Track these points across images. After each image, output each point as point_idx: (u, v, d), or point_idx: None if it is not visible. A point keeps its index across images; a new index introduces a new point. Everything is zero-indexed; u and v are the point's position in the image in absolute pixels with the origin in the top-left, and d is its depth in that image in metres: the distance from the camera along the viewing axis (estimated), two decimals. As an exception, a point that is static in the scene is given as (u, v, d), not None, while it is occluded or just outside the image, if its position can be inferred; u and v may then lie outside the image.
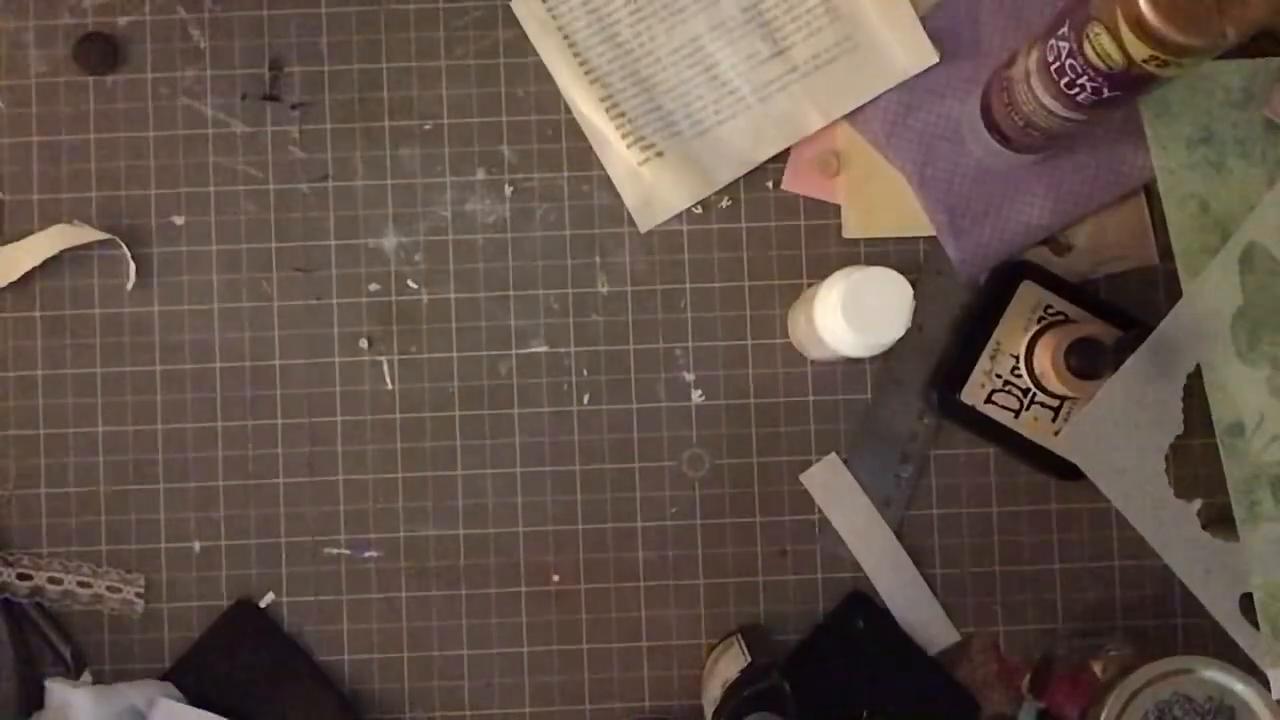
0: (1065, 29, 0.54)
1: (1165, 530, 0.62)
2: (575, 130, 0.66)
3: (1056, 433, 0.63)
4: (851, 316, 0.54)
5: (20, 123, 0.66)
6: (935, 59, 0.64)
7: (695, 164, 0.65)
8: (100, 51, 0.65)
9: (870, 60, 0.65)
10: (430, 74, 0.66)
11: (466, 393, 0.65)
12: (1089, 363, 0.60)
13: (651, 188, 0.65)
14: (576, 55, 0.65)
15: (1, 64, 0.66)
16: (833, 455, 0.65)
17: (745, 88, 0.65)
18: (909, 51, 0.65)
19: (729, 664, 0.60)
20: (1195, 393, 0.62)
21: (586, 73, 0.65)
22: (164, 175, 0.66)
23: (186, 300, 0.65)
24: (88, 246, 0.65)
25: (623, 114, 0.65)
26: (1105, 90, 0.54)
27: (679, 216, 0.66)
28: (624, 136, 0.65)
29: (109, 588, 0.64)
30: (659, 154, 0.65)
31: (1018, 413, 0.63)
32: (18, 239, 0.65)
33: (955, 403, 0.63)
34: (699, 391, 0.66)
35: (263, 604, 0.65)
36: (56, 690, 0.61)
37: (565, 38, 0.65)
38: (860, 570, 0.65)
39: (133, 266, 0.65)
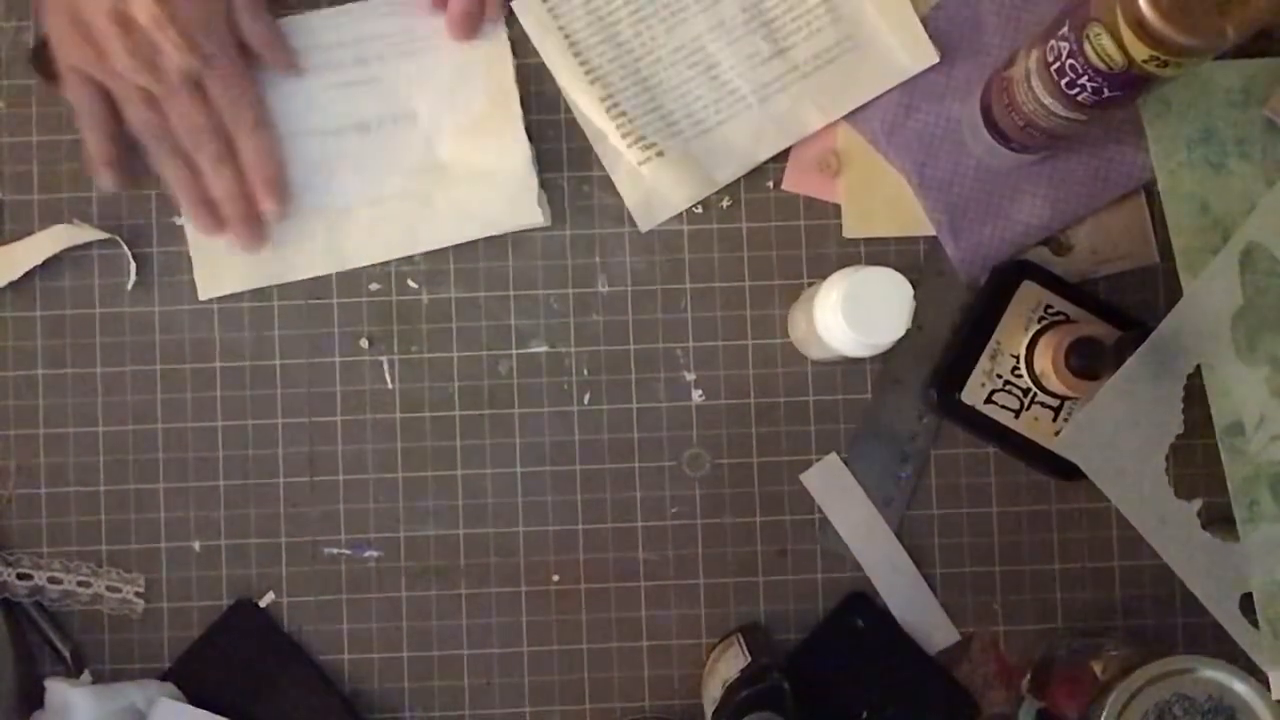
0: (1065, 29, 0.54)
1: (1165, 530, 0.62)
2: (576, 130, 0.66)
3: (1056, 433, 0.63)
4: (851, 316, 0.54)
5: (20, 123, 0.65)
6: (936, 59, 0.64)
7: (696, 164, 0.65)
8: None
9: (871, 60, 0.65)
10: (430, 74, 0.66)
11: (467, 392, 0.65)
12: (1089, 363, 0.60)
13: (652, 187, 0.65)
14: (577, 55, 0.65)
15: (1, 64, 0.66)
16: (833, 455, 0.65)
17: (746, 87, 0.65)
18: (910, 51, 0.65)
19: (729, 664, 0.60)
20: (1195, 393, 0.62)
21: (587, 73, 0.65)
22: (164, 175, 0.66)
23: (187, 300, 0.65)
24: (88, 246, 0.65)
25: (623, 114, 0.65)
26: (1105, 90, 0.54)
27: (679, 216, 0.66)
28: (624, 136, 0.65)
29: (109, 587, 0.64)
30: (659, 154, 0.65)
31: (1018, 413, 0.63)
32: (18, 239, 0.65)
33: (955, 403, 0.63)
34: (699, 391, 0.66)
35: (263, 603, 0.65)
36: (56, 690, 0.61)
37: (566, 37, 0.65)
38: (860, 570, 0.65)
39: (133, 266, 0.65)
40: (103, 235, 0.64)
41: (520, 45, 0.66)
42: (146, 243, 0.65)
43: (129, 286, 0.65)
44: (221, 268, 0.65)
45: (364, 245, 0.64)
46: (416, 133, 0.65)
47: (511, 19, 0.66)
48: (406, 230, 0.64)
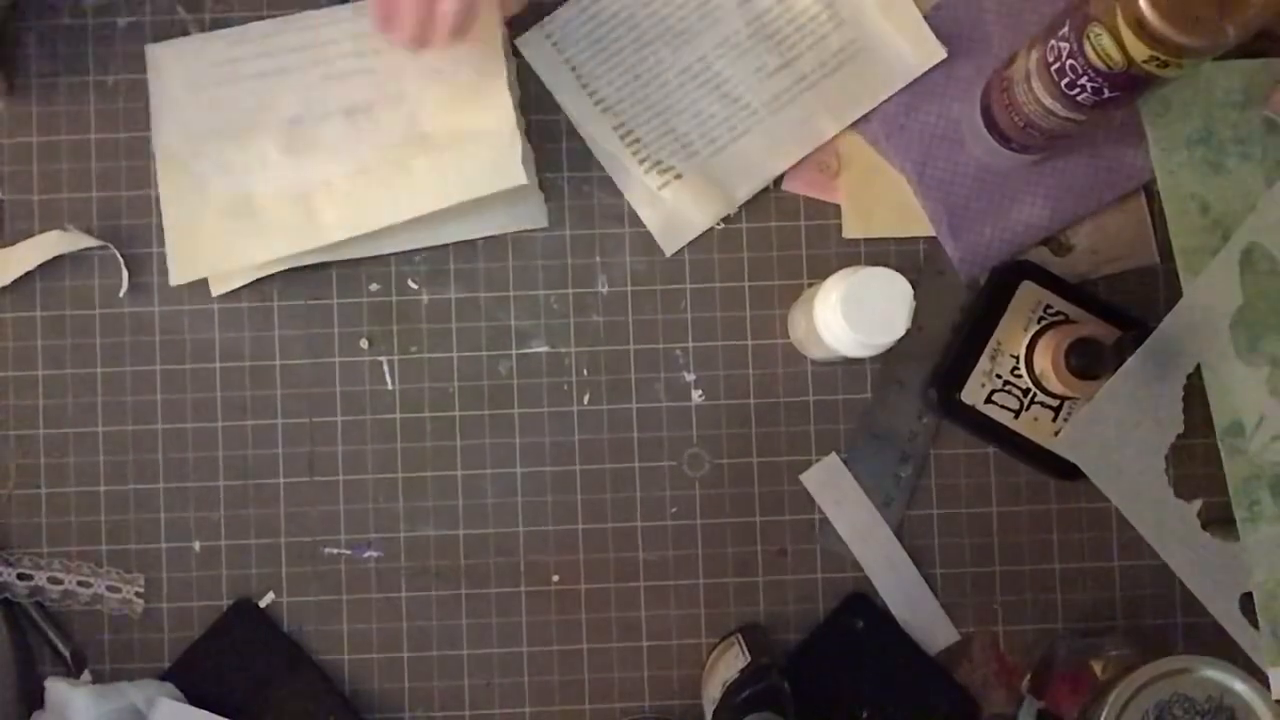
0: (1066, 29, 0.54)
1: (1165, 530, 0.62)
2: (575, 130, 0.66)
3: (1056, 433, 0.63)
4: (852, 316, 0.54)
5: (20, 123, 0.65)
6: (943, 54, 0.64)
7: (714, 182, 0.65)
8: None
9: (878, 62, 0.65)
10: (430, 74, 0.66)
11: (466, 393, 0.65)
12: (1089, 363, 0.60)
13: (673, 210, 0.65)
14: (585, 86, 0.65)
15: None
16: (833, 455, 0.65)
17: (756, 101, 0.65)
18: (916, 50, 0.65)
19: (729, 664, 0.60)
20: (1195, 393, 0.62)
21: (597, 103, 0.65)
22: (164, 175, 0.66)
23: (186, 300, 0.65)
24: (87, 246, 0.65)
25: (637, 140, 0.65)
26: (1105, 90, 0.54)
27: (679, 216, 0.66)
28: (641, 162, 0.65)
29: (109, 587, 0.64)
30: (678, 176, 0.65)
31: (1018, 413, 0.63)
32: (18, 239, 0.65)
33: (955, 403, 0.63)
34: (699, 391, 0.66)
35: (263, 604, 0.65)
36: (56, 690, 0.61)
37: (572, 70, 0.65)
38: (860, 570, 0.65)
39: (126, 274, 0.64)
40: (95, 243, 0.64)
41: (521, 71, 0.66)
42: (145, 243, 0.65)
43: (122, 293, 0.65)
44: (197, 252, 0.63)
45: (343, 216, 0.63)
46: (402, 110, 0.63)
47: (510, 19, 0.65)
48: (386, 197, 0.62)
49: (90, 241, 0.64)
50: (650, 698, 0.65)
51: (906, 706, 0.63)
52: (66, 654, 0.64)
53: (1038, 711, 0.62)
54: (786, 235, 0.66)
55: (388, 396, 0.65)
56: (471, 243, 0.65)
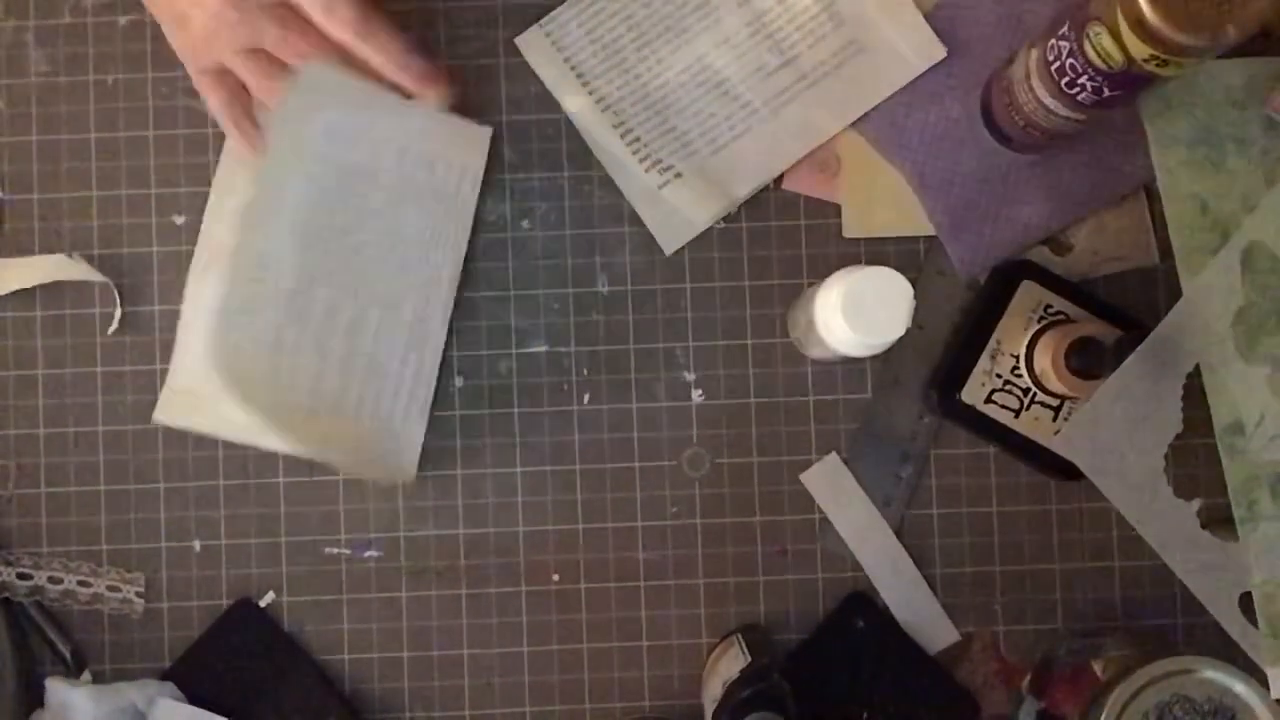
0: (1066, 28, 0.54)
1: (1165, 530, 0.62)
2: (575, 130, 0.66)
3: (1056, 432, 0.63)
4: (852, 316, 0.54)
5: (20, 123, 0.65)
6: (943, 54, 0.64)
7: (714, 181, 0.65)
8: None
9: (879, 61, 0.65)
10: (430, 73, 0.66)
11: (467, 392, 0.65)
12: (1089, 362, 0.60)
13: (673, 209, 0.65)
14: (585, 85, 0.65)
15: (1, 64, 0.66)
16: (833, 455, 0.65)
17: (756, 100, 0.65)
18: (916, 49, 0.64)
19: (729, 664, 0.60)
20: (1195, 392, 0.62)
21: (597, 101, 0.65)
22: (164, 174, 0.66)
23: (186, 299, 0.65)
24: (87, 243, 0.65)
25: (637, 139, 0.65)
26: (1105, 90, 0.54)
27: (679, 216, 0.66)
28: (641, 161, 0.65)
29: (109, 587, 0.64)
30: (678, 175, 0.65)
31: (1018, 412, 0.63)
32: (18, 237, 0.65)
33: (955, 402, 0.63)
34: (699, 391, 0.65)
35: (263, 603, 0.65)
36: (56, 689, 0.61)
37: (572, 69, 0.65)
38: (860, 570, 0.65)
39: (118, 296, 0.64)
40: (98, 278, 0.64)
41: (521, 70, 0.66)
42: (146, 242, 0.65)
43: (113, 329, 0.64)
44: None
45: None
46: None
47: (510, 18, 0.66)
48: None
49: (93, 275, 0.64)
50: (650, 697, 0.65)
51: (906, 706, 0.63)
52: (66, 653, 0.64)
53: (1038, 711, 0.62)
54: (786, 234, 0.66)
55: (388, 396, 0.65)
56: (471, 242, 0.65)
